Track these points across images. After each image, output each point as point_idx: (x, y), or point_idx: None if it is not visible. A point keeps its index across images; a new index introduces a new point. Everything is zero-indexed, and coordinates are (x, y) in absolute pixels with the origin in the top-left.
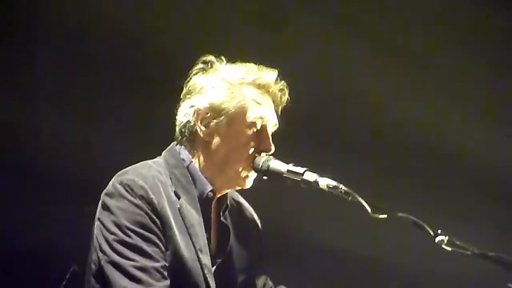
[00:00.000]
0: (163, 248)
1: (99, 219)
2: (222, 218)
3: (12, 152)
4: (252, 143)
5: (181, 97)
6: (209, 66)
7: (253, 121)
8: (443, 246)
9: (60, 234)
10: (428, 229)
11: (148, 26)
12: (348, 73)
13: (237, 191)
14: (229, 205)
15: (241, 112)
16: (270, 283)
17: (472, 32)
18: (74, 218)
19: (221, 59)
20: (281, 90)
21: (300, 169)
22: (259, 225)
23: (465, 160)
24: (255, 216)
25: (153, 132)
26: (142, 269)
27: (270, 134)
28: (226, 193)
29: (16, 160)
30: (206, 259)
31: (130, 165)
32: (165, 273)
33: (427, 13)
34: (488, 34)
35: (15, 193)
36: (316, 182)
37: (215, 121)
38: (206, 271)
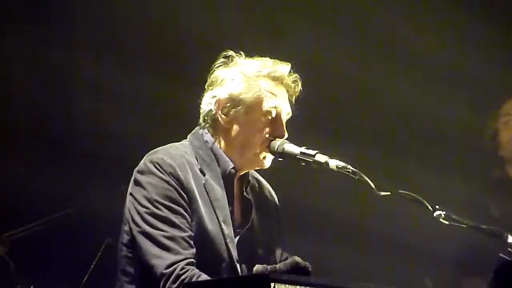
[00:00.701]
0: (189, 220)
1: (131, 194)
2: (245, 193)
3: (60, 133)
4: (267, 129)
5: (205, 87)
6: (230, 60)
7: (268, 110)
8: (441, 220)
9: (97, 208)
10: (427, 204)
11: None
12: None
13: (256, 171)
14: (249, 181)
15: (258, 102)
16: (285, 254)
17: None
18: (109, 193)
19: (240, 54)
20: (294, 81)
21: (312, 152)
22: (277, 202)
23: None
24: (273, 194)
25: (180, 118)
26: (171, 238)
27: (284, 121)
28: (248, 172)
29: (64, 141)
30: (228, 230)
31: (160, 146)
32: (192, 242)
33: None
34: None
35: (62, 169)
36: (326, 163)
37: (234, 110)
38: (228, 241)
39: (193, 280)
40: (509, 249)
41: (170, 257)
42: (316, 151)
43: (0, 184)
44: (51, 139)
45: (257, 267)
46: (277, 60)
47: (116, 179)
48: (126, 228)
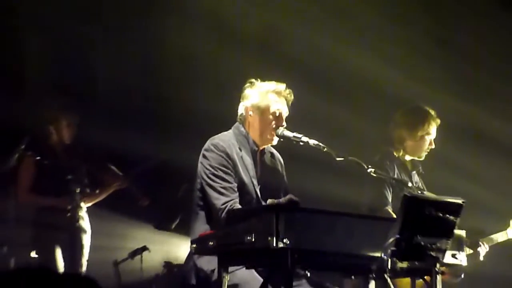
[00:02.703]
0: (234, 177)
1: (201, 162)
2: (264, 159)
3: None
4: (273, 123)
5: (240, 99)
6: (252, 84)
7: (274, 111)
8: (372, 174)
9: (178, 159)
10: (364, 165)
11: None
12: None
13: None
14: (265, 152)
15: (267, 107)
16: (287, 193)
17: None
18: (189, 153)
19: (257, 80)
20: (289, 93)
21: (299, 135)
22: (283, 163)
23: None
24: (281, 158)
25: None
26: (224, 188)
27: (284, 117)
28: (264, 148)
29: (156, 112)
30: (255, 181)
31: (222, 131)
32: (236, 190)
33: None
34: None
35: (160, 134)
36: (307, 142)
37: (255, 112)
38: (255, 188)
39: (235, 208)
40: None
41: (223, 199)
42: (302, 135)
43: (119, 141)
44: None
45: (270, 201)
46: (278, 83)
47: (195, 144)
48: (199, 181)
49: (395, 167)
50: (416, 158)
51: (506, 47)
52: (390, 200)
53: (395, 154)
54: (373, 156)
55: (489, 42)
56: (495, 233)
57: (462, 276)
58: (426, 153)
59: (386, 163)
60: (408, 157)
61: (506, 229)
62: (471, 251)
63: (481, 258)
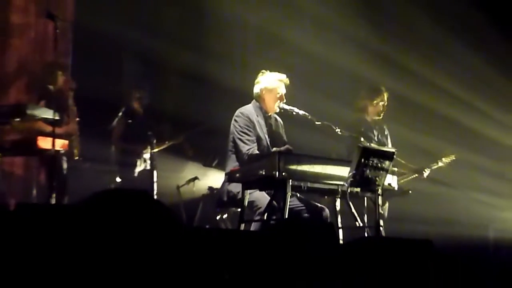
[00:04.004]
0: (253, 133)
1: (233, 124)
2: (270, 122)
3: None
4: (277, 99)
5: (255, 83)
6: (263, 73)
7: (278, 92)
8: (339, 132)
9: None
10: (333, 127)
11: None
12: None
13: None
14: (272, 117)
15: (274, 89)
16: (286, 144)
17: None
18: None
19: (267, 71)
20: (286, 81)
21: (293, 108)
22: (283, 126)
23: None
24: (282, 122)
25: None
26: (247, 140)
27: (284, 96)
28: (271, 114)
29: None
30: (266, 136)
31: (247, 103)
32: (255, 141)
33: None
34: None
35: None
36: (298, 113)
37: (265, 92)
38: (267, 140)
39: (254, 153)
40: (362, 143)
41: (247, 147)
42: (295, 107)
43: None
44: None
45: (275, 149)
46: (282, 73)
47: (231, 110)
48: (231, 136)
49: (363, 124)
50: (376, 118)
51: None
52: None
53: (364, 117)
54: (348, 118)
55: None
56: (432, 163)
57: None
58: (382, 114)
59: (357, 122)
60: (370, 118)
61: (437, 161)
62: (417, 175)
63: (425, 177)
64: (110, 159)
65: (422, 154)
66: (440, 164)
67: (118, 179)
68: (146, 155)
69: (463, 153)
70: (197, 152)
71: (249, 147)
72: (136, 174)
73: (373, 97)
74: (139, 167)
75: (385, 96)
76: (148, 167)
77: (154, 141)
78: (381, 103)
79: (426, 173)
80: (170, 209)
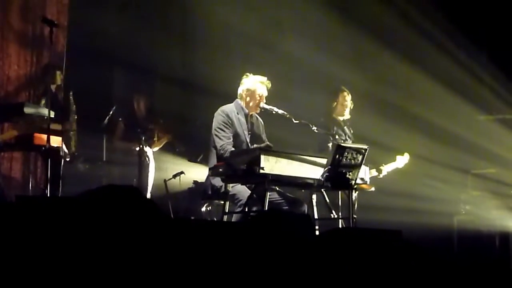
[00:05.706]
0: (231, 131)
1: (214, 120)
2: (251, 120)
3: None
4: (258, 99)
5: (240, 84)
6: (246, 76)
7: (259, 93)
8: (314, 130)
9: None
10: (310, 125)
11: None
12: None
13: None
14: (253, 116)
15: (255, 90)
16: (266, 141)
17: None
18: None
19: (250, 74)
20: (268, 83)
21: (273, 107)
22: (263, 124)
23: None
24: (262, 121)
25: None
26: (223, 136)
27: (264, 97)
28: (252, 114)
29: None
30: (246, 133)
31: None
32: (231, 138)
33: None
34: None
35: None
36: (277, 112)
37: (247, 93)
38: (246, 137)
39: (227, 149)
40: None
41: (221, 142)
42: (274, 107)
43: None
44: None
45: (254, 146)
46: (263, 76)
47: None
48: (212, 131)
49: (334, 123)
50: (345, 117)
51: None
52: (329, 145)
53: (333, 116)
54: (319, 118)
55: None
56: (389, 163)
57: (373, 188)
58: (348, 113)
59: (329, 121)
60: (340, 117)
61: (395, 161)
62: (377, 173)
63: (382, 176)
64: (103, 156)
65: (384, 152)
66: (397, 165)
67: (110, 176)
68: (141, 152)
69: (430, 149)
70: (185, 148)
71: (223, 143)
72: (131, 170)
73: (334, 97)
74: (133, 164)
75: (346, 95)
76: (146, 163)
77: (144, 138)
78: (345, 103)
79: (383, 173)
80: (156, 203)
